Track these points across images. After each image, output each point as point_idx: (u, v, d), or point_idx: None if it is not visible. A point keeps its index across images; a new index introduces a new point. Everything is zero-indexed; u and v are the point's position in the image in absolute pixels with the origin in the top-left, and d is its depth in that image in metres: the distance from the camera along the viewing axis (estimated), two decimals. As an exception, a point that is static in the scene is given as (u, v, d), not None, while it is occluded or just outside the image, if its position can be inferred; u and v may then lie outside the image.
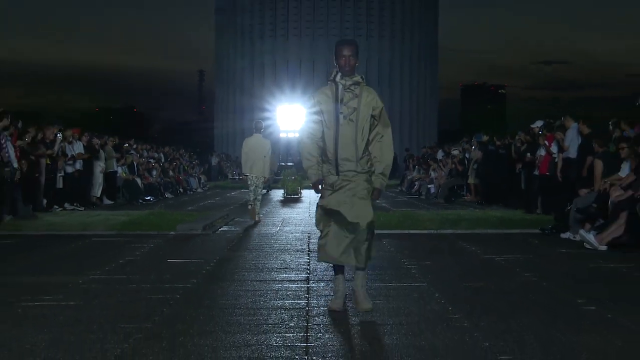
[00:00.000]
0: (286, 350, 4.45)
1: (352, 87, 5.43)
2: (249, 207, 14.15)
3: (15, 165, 13.41)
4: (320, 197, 5.57)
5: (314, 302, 6.00)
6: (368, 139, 5.42)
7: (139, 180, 21.80)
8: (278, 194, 24.28)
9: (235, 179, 38.35)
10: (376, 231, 11.73)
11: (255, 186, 14.07)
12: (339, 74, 5.45)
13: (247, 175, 14.13)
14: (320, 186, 5.55)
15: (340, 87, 5.42)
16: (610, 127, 12.51)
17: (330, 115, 5.41)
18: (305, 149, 5.55)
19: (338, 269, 5.58)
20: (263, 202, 16.31)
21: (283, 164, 38.53)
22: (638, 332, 4.93)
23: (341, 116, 5.37)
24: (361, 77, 5.51)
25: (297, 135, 49.37)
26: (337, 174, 5.39)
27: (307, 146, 5.54)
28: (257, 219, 14.02)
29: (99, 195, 18.81)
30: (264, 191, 14.73)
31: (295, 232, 12.02)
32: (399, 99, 56.52)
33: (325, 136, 5.44)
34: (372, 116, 5.43)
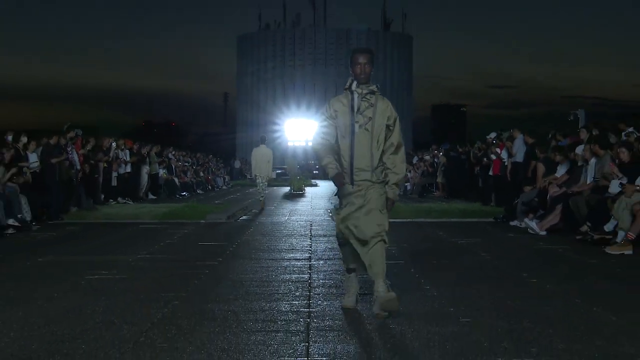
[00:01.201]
0: (293, 315, 4.48)
1: (368, 96, 4.48)
2: (260, 199, 15.03)
3: (79, 167, 13.53)
4: (339, 208, 4.63)
5: (314, 276, 6.01)
6: (383, 149, 4.49)
7: (176, 180, 21.82)
8: (285, 190, 24.24)
9: (252, 178, 38.31)
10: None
11: (262, 183, 15.11)
12: (355, 83, 4.49)
13: (256, 176, 15.37)
14: (342, 179, 4.46)
15: (357, 95, 4.46)
16: (549, 137, 12.54)
17: (346, 124, 4.44)
18: (320, 150, 4.55)
19: (350, 269, 4.69)
20: (273, 197, 16.66)
21: (290, 166, 38.53)
22: (569, 298, 4.94)
23: (357, 125, 4.42)
24: (376, 87, 4.54)
25: (302, 144, 49.17)
26: (352, 183, 4.41)
27: (321, 147, 4.54)
28: (262, 207, 14.88)
29: (145, 192, 18.82)
30: (266, 191, 15.54)
31: (300, 221, 12.03)
32: (383, 115, 56.64)
33: (341, 145, 4.47)
34: (387, 126, 4.49)
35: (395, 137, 4.55)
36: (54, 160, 12.16)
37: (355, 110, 4.44)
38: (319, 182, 30.54)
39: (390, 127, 4.52)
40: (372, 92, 4.51)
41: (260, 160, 15.16)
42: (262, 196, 15.01)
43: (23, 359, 3.45)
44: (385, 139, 4.50)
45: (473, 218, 12.08)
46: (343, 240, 4.56)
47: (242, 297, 5.07)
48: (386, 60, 58.13)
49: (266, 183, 15.52)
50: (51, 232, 10.00)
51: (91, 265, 6.60)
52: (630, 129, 9.47)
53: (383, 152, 4.49)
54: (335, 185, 4.52)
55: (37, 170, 11.78)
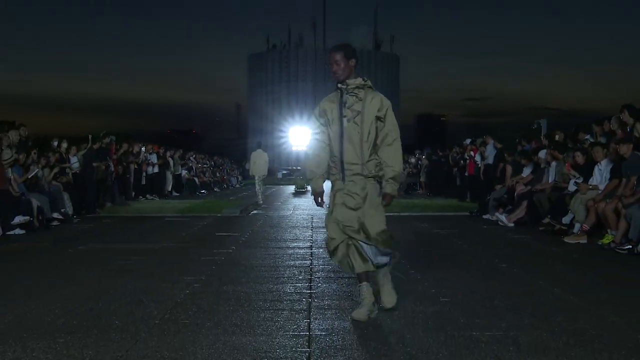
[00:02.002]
0: (296, 295, 4.47)
1: (355, 91, 3.81)
2: (257, 196, 15.72)
3: (113, 169, 13.53)
4: (329, 206, 3.97)
5: (315, 262, 6.00)
6: (376, 143, 3.78)
7: (196, 179, 21.81)
8: (290, 189, 24.23)
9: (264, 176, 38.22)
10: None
11: (259, 182, 15.85)
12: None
13: (253, 175, 16.17)
14: (319, 199, 3.97)
15: (343, 91, 3.84)
16: (516, 143, 12.53)
17: (335, 120, 3.82)
18: (309, 163, 3.99)
19: (360, 276, 3.89)
20: (280, 194, 16.84)
21: (292, 168, 38.50)
22: (533, 281, 4.94)
23: (345, 119, 3.78)
24: (363, 79, 3.86)
25: (304, 148, 49.36)
26: (343, 179, 3.81)
27: (310, 160, 3.96)
28: (260, 202, 15.43)
29: (169, 190, 18.81)
30: (262, 187, 16.19)
31: (303, 215, 12.02)
32: (373, 123, 56.74)
33: (332, 141, 3.85)
34: (377, 118, 3.78)
35: (389, 127, 3.80)
36: (95, 164, 12.19)
37: (343, 105, 3.81)
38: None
39: (381, 118, 3.80)
40: (360, 87, 3.84)
41: (257, 162, 15.71)
42: (259, 195, 15.65)
43: (66, 332, 3.45)
44: (378, 132, 3.80)
45: (451, 212, 12.09)
46: (332, 249, 3.86)
47: (252, 280, 5.06)
48: (377, 76, 58.09)
49: (262, 181, 16.11)
50: (89, 224, 10.00)
51: (123, 252, 6.60)
52: (587, 137, 9.46)
53: (377, 145, 3.79)
54: (315, 200, 3.99)
55: (77, 171, 11.79)
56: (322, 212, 12.65)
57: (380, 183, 3.83)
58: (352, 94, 3.82)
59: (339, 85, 3.86)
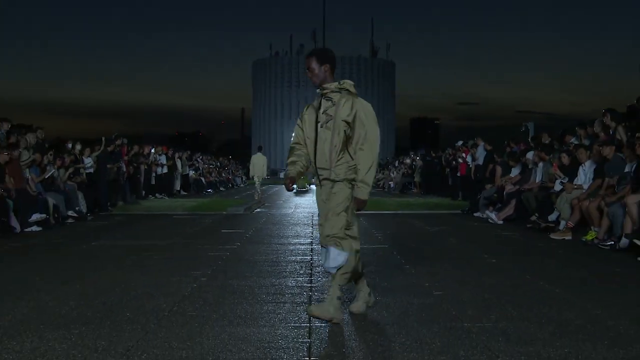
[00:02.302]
0: (297, 289, 4.48)
1: (330, 95, 3.57)
2: (255, 195, 16.31)
3: (125, 169, 13.52)
4: None
5: (315, 257, 6.00)
6: (348, 146, 3.53)
7: (203, 179, 21.82)
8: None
9: (265, 177, 38.23)
10: (356, 211, 11.60)
11: (258, 182, 16.43)
12: None
13: (253, 176, 16.77)
14: (290, 184, 3.75)
15: (321, 96, 3.64)
16: (505, 145, 12.53)
17: (311, 125, 3.61)
18: (289, 154, 3.77)
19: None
20: (281, 193, 17.01)
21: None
22: (521, 275, 4.94)
23: (319, 125, 3.56)
24: (339, 83, 3.60)
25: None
26: (320, 184, 3.67)
27: (290, 151, 3.77)
28: (258, 199, 15.80)
29: (178, 189, 18.81)
30: (262, 187, 16.52)
31: (304, 213, 12.03)
32: (370, 126, 56.83)
33: (308, 147, 3.66)
34: (346, 122, 3.49)
35: (359, 131, 3.51)
36: (109, 166, 12.20)
37: (319, 110, 3.59)
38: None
39: (350, 123, 3.50)
40: (337, 91, 3.57)
41: (257, 164, 16.26)
42: (258, 193, 16.22)
43: (80, 323, 3.45)
44: (350, 135, 3.52)
45: (444, 210, 12.10)
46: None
47: (256, 274, 5.07)
48: (373, 82, 58.26)
49: (261, 181, 16.70)
50: (102, 221, 10.00)
51: (134, 248, 6.61)
52: (573, 139, 9.46)
53: (352, 149, 3.53)
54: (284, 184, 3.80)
55: (92, 171, 11.79)
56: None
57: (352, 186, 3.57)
58: (327, 98, 3.59)
59: (317, 90, 3.67)
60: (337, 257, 3.51)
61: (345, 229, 3.55)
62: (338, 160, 3.54)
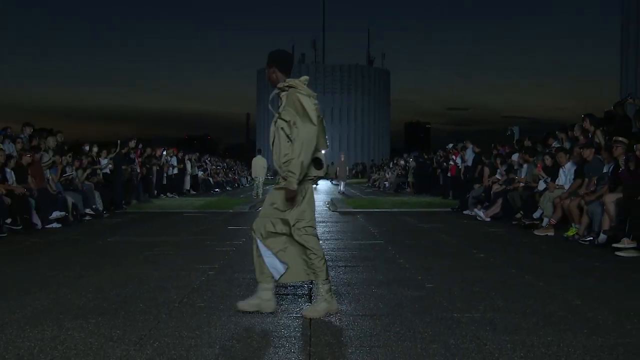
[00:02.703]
0: (299, 282, 4.46)
1: (280, 95, 3.39)
2: (254, 193, 16.56)
3: (138, 170, 13.49)
4: None
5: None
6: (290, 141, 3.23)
7: (211, 179, 21.79)
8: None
9: (269, 178, 38.21)
10: (354, 209, 11.46)
11: (258, 182, 16.55)
12: None
13: (254, 177, 16.96)
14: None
15: (278, 97, 3.43)
16: (492, 147, 12.53)
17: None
18: None
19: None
20: None
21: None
22: (507, 268, 4.93)
23: (272, 124, 3.35)
24: (284, 81, 3.35)
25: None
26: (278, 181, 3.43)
27: None
28: (255, 196, 16.06)
29: (187, 188, 18.79)
30: (262, 189, 16.68)
31: (305, 210, 12.01)
32: (368, 131, 56.66)
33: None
34: (286, 121, 3.25)
35: (294, 130, 3.22)
36: (124, 167, 12.18)
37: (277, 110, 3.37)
38: (319, 181, 30.43)
39: (289, 122, 3.25)
40: (285, 89, 3.34)
41: (257, 166, 16.43)
42: (256, 193, 16.33)
43: (97, 314, 3.44)
44: (288, 134, 3.24)
45: (435, 208, 12.06)
46: None
47: (261, 268, 5.05)
48: (370, 88, 58.12)
49: (262, 183, 16.72)
50: (117, 219, 9.99)
51: (147, 244, 6.60)
52: (555, 143, 9.46)
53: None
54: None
55: (109, 171, 11.77)
56: (322, 208, 12.66)
57: (306, 182, 3.35)
58: (278, 98, 3.41)
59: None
60: (274, 265, 3.37)
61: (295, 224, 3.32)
62: (285, 156, 3.25)
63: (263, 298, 3.43)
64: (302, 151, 3.18)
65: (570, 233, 6.91)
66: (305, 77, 3.40)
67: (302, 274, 3.40)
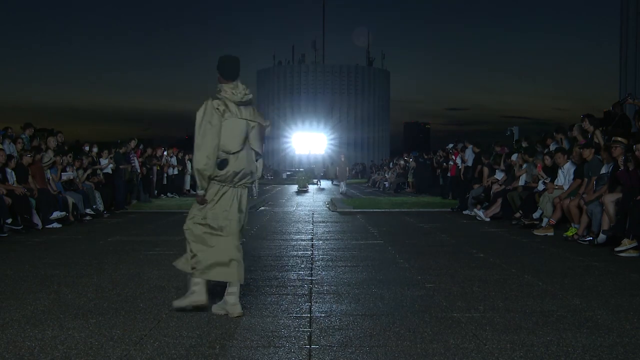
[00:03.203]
0: (299, 282, 4.47)
1: None
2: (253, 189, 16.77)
3: (139, 170, 13.46)
4: None
5: (315, 252, 6.00)
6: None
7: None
8: (293, 188, 24.17)
9: (269, 178, 38.21)
10: (353, 209, 11.49)
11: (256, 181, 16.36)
12: None
13: None
14: None
15: None
16: (491, 148, 12.51)
17: None
18: None
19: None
20: (284, 193, 17.03)
21: (295, 169, 38.52)
22: (506, 268, 4.94)
23: None
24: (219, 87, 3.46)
25: (306, 152, 49.17)
26: None
27: None
28: (255, 196, 15.81)
29: (187, 188, 18.77)
30: (257, 189, 16.69)
31: (305, 211, 12.01)
32: (367, 131, 56.68)
33: None
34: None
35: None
36: (122, 166, 12.16)
37: None
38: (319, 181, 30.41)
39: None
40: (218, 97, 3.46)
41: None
42: (254, 191, 16.41)
43: (97, 313, 3.44)
44: None
45: (435, 208, 12.05)
46: None
47: (260, 268, 5.06)
48: (370, 89, 58.15)
49: (257, 182, 16.72)
50: (118, 218, 9.99)
51: (147, 244, 6.60)
52: (553, 143, 9.46)
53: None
54: None
55: (111, 172, 11.74)
56: (322, 208, 12.67)
57: (216, 183, 3.47)
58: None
59: None
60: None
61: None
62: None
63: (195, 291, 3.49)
64: (196, 160, 3.34)
65: (569, 233, 6.91)
66: (242, 86, 3.46)
67: (184, 262, 3.62)
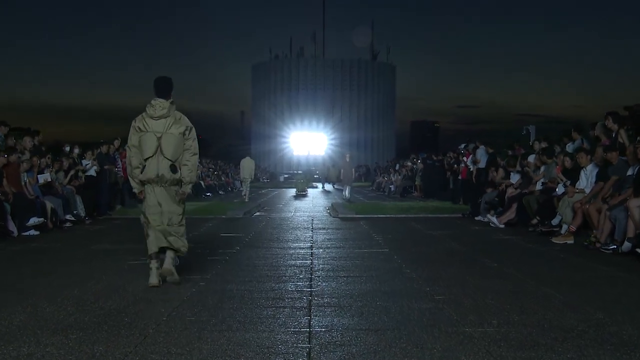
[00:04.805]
0: (297, 294, 4.46)
1: None
2: (243, 195, 17.92)
3: (121, 174, 13.40)
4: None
5: (315, 262, 5.99)
6: None
7: (202, 182, 21.77)
8: (291, 192, 24.19)
9: (265, 181, 38.22)
10: (356, 215, 11.56)
11: (247, 183, 18.07)
12: None
13: (243, 178, 18.39)
14: None
15: None
16: (505, 149, 12.56)
17: None
18: None
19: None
20: (281, 197, 17.15)
21: (294, 172, 38.58)
22: (522, 279, 4.93)
23: None
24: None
25: (305, 153, 49.08)
26: None
27: None
28: (246, 200, 17.23)
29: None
30: (249, 189, 18.29)
31: (303, 217, 12.01)
32: (371, 130, 56.70)
33: None
34: None
35: None
36: (106, 167, 12.14)
37: None
38: (319, 184, 30.42)
39: None
40: None
41: (246, 167, 18.31)
42: (244, 194, 17.81)
43: (78, 329, 3.44)
44: None
45: (445, 214, 12.04)
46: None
47: (255, 279, 5.05)
48: (373, 85, 58.18)
49: (249, 183, 18.34)
50: (101, 225, 9.99)
51: (133, 252, 6.59)
52: (570, 143, 9.47)
53: None
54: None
55: (95, 174, 11.71)
56: (322, 213, 12.67)
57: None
58: None
59: None
60: None
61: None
62: None
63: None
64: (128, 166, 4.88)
65: (592, 239, 6.90)
66: (157, 101, 4.74)
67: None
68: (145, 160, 4.69)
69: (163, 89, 4.77)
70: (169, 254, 4.80)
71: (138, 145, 4.72)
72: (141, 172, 4.72)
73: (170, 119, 4.70)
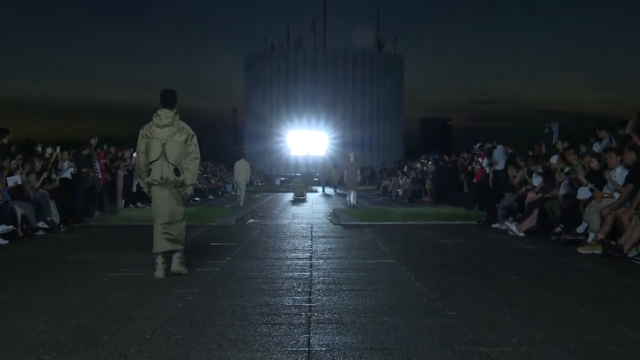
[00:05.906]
0: (295, 309, 4.47)
1: None
2: (238, 197, 18.68)
3: (100, 176, 13.41)
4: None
5: (315, 274, 6.00)
6: None
7: (189, 186, 21.81)
8: (289, 196, 24.20)
9: (259, 184, 38.24)
10: (360, 222, 11.59)
11: (241, 186, 18.80)
12: None
13: (237, 181, 19.27)
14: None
15: None
16: (526, 149, 12.57)
17: None
18: None
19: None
20: (277, 202, 17.16)
21: (291, 174, 38.58)
22: (545, 293, 4.93)
23: None
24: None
25: (304, 154, 49.10)
26: None
27: None
28: (241, 204, 17.86)
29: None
30: (244, 192, 18.98)
31: (302, 224, 12.01)
32: (377, 128, 56.70)
33: None
34: None
35: None
36: (84, 170, 12.15)
37: None
38: (319, 188, 30.44)
39: None
40: None
41: (240, 170, 18.93)
42: (239, 197, 18.53)
43: (51, 348, 3.44)
44: None
45: (458, 221, 12.03)
46: None
47: (249, 292, 5.06)
48: (379, 78, 58.22)
49: (245, 186, 19.11)
50: (77, 233, 9.99)
51: (113, 263, 6.60)
52: (597, 143, 9.48)
53: None
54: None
55: (71, 177, 11.71)
56: (322, 220, 12.67)
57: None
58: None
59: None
60: None
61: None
62: None
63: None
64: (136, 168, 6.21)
65: (632, 250, 6.89)
66: (163, 111, 5.81)
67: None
68: (151, 163, 5.71)
69: (168, 100, 5.82)
70: (175, 255, 5.91)
71: (145, 150, 5.74)
72: (148, 175, 5.77)
73: (174, 128, 5.71)
